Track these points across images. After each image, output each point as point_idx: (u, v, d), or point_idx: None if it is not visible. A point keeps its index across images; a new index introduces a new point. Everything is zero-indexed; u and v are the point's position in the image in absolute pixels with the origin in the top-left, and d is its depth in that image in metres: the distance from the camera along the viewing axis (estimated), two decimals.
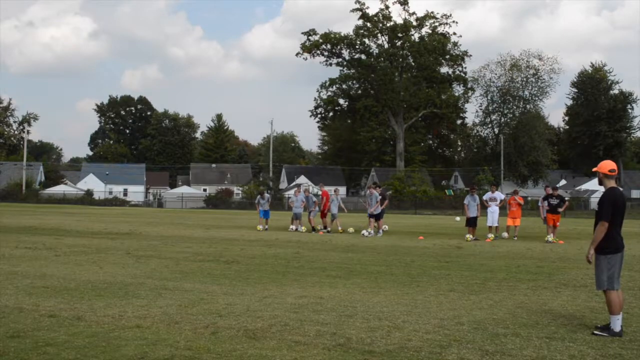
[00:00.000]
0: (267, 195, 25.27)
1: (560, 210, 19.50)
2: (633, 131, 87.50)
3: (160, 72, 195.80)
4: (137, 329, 6.39)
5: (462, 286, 9.60)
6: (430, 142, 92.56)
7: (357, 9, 75.44)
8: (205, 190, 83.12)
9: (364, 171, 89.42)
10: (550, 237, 18.72)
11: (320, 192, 24.66)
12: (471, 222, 19.87)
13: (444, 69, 78.58)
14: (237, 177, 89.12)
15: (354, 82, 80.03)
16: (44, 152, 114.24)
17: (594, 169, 6.88)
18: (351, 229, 22.74)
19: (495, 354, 5.62)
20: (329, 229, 22.75)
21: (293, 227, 23.33)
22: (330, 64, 77.89)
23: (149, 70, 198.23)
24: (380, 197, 22.18)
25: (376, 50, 77.21)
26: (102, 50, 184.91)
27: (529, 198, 56.54)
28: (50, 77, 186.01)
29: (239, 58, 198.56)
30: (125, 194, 78.30)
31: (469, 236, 19.39)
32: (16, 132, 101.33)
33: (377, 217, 21.76)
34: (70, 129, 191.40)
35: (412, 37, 76.30)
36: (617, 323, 6.37)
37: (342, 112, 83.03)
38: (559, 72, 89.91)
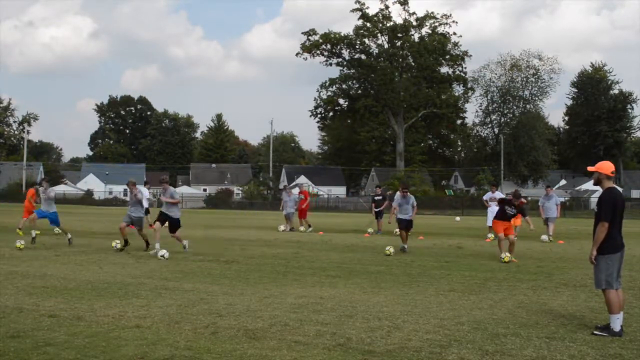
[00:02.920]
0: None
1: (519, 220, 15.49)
2: (633, 131, 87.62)
3: (160, 72, 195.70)
4: (137, 329, 6.40)
5: (462, 286, 9.60)
6: (430, 142, 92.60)
7: (357, 9, 75.50)
8: (205, 190, 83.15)
9: (364, 171, 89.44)
10: (504, 255, 13.26)
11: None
12: (403, 224, 15.67)
13: (444, 69, 78.64)
14: (237, 177, 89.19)
15: (354, 82, 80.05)
16: (44, 152, 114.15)
17: (592, 169, 6.80)
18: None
19: (495, 354, 5.63)
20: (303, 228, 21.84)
21: (287, 227, 23.38)
22: (330, 64, 78.00)
23: (149, 70, 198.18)
24: (380, 197, 22.22)
25: (376, 50, 77.24)
26: (102, 50, 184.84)
27: (529, 198, 56.50)
28: (50, 77, 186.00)
29: (239, 58, 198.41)
30: (125, 194, 78.24)
31: (405, 246, 15.36)
32: (16, 132, 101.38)
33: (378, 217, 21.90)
34: (70, 129, 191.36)
35: (412, 37, 76.32)
36: (616, 322, 6.37)
37: (342, 112, 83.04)
38: (559, 72, 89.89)
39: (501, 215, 14.03)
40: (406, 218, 15.65)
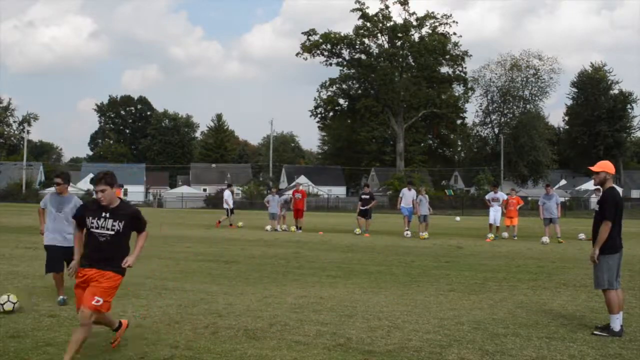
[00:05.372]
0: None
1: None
2: (633, 131, 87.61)
3: (160, 72, 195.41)
4: (137, 329, 6.40)
5: (462, 286, 9.60)
6: (430, 142, 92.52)
7: (357, 9, 75.39)
8: (205, 190, 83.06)
9: (364, 171, 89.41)
10: None
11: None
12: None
13: (444, 69, 78.49)
14: (237, 177, 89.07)
15: (354, 82, 79.96)
16: (44, 152, 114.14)
17: (595, 169, 6.78)
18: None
19: (495, 354, 5.63)
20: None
21: (278, 227, 23.40)
22: (330, 64, 77.85)
23: (149, 70, 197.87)
24: (368, 196, 22.14)
25: (376, 50, 77.16)
26: (102, 50, 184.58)
27: (529, 198, 56.55)
28: (50, 77, 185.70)
29: (239, 58, 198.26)
30: (125, 194, 78.22)
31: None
32: (16, 132, 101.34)
33: (367, 217, 21.92)
34: (70, 129, 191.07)
35: (412, 37, 76.22)
36: (616, 322, 6.37)
37: (342, 112, 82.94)
38: (559, 72, 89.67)
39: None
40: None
